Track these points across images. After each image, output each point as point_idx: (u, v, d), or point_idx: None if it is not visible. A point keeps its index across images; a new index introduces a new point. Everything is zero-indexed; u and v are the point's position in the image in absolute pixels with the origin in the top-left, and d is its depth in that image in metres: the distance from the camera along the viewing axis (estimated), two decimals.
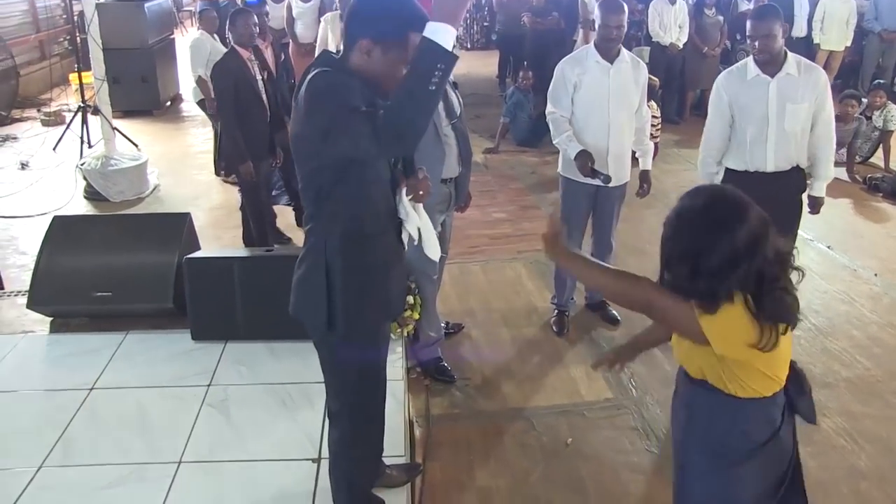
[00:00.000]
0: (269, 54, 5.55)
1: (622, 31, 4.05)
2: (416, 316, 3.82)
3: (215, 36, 7.05)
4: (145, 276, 3.99)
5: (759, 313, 1.85)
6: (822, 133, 3.83)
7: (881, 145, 7.76)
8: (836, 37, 9.71)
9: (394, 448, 3.04)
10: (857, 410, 3.79)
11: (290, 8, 8.51)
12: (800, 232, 4.08)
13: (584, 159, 3.95)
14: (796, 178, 3.91)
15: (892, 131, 7.65)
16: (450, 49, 1.90)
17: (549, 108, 4.17)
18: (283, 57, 5.45)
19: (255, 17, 5.26)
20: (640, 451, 3.49)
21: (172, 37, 10.72)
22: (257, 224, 5.27)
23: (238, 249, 4.33)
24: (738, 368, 1.96)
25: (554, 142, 4.18)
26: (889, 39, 10.00)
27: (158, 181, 7.05)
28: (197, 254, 3.96)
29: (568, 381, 4.02)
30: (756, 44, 3.70)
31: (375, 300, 2.39)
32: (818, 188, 3.98)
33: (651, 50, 9.31)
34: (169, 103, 10.19)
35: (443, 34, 1.88)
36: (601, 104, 4.06)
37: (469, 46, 14.56)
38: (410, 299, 3.75)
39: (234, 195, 6.68)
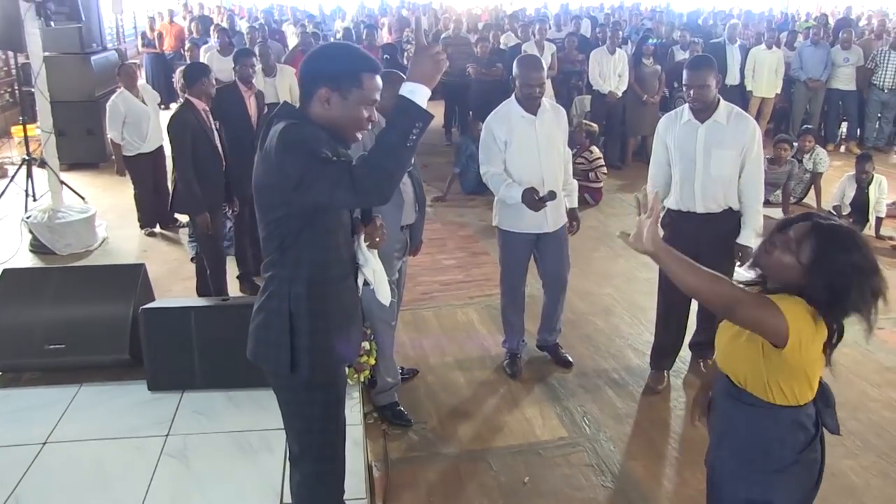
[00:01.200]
0: (252, 103, 5.64)
1: (544, 88, 4.14)
2: (372, 361, 3.88)
3: (141, 90, 7.13)
4: (100, 328, 3.99)
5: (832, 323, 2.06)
6: (748, 181, 4.03)
7: (812, 186, 8.16)
8: (766, 85, 10.20)
9: (354, 491, 3.08)
10: None
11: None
12: (738, 271, 4.26)
13: (530, 194, 3.99)
14: (729, 220, 4.10)
15: (821, 173, 8.06)
16: (425, 108, 2.03)
17: (484, 168, 4.21)
18: (265, 109, 5.63)
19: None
20: (596, 487, 3.58)
21: (119, 89, 10.68)
22: (214, 274, 5.26)
23: (195, 299, 4.35)
24: (787, 374, 2.09)
25: (497, 195, 4.20)
26: (814, 87, 10.55)
27: (107, 234, 7.00)
28: (153, 304, 3.98)
29: (523, 421, 4.10)
30: (691, 92, 3.92)
31: (338, 344, 2.46)
32: (745, 237, 4.10)
33: (592, 98, 9.64)
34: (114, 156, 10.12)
35: (419, 94, 2.03)
36: (532, 156, 4.13)
37: None
38: (366, 345, 3.81)
39: (181, 250, 6.71)
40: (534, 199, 3.99)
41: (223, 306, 3.85)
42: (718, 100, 3.99)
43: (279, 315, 2.35)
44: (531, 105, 4.11)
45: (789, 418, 2.17)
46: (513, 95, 4.19)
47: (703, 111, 3.97)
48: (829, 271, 1.99)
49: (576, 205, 4.50)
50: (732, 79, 10.03)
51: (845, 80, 10.57)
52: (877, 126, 10.90)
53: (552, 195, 4.00)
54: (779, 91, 10.39)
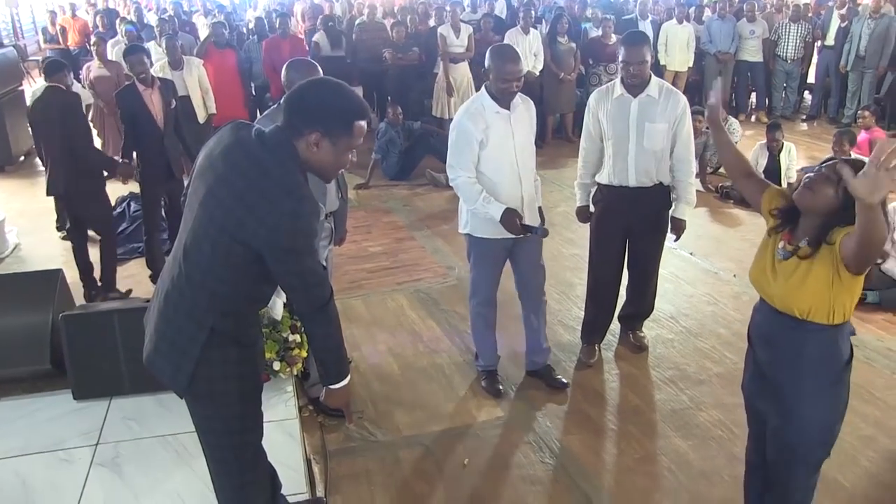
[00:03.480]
0: (155, 100, 5.48)
1: (521, 83, 3.76)
2: (304, 354, 3.84)
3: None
4: (17, 338, 3.83)
5: None
6: (680, 154, 4.11)
7: None
8: (678, 59, 10.42)
9: (295, 485, 3.05)
10: (730, 402, 4.05)
11: None
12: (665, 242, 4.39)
13: (512, 217, 3.68)
14: (660, 195, 4.19)
15: (736, 142, 8.28)
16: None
17: (454, 173, 3.80)
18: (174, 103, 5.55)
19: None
20: (535, 464, 3.63)
21: (21, 88, 10.27)
22: (149, 242, 5.64)
23: (118, 302, 4.21)
24: (850, 293, 2.40)
25: (470, 208, 3.83)
26: (723, 60, 10.85)
27: (18, 240, 6.73)
28: (74, 310, 3.84)
29: (459, 404, 4.13)
30: (631, 69, 3.94)
31: (253, 371, 2.52)
32: (680, 210, 4.23)
33: None
34: (23, 158, 9.72)
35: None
36: (507, 155, 3.80)
37: None
38: (297, 338, 3.77)
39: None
40: (515, 223, 3.69)
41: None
42: (650, 75, 4.05)
43: (191, 341, 2.34)
44: (505, 100, 3.76)
45: (846, 332, 2.50)
46: (483, 88, 3.84)
47: (637, 86, 4.02)
48: None
49: (540, 202, 4.13)
50: None
51: (752, 52, 10.90)
52: (783, 95, 11.30)
53: (545, 231, 3.74)
54: (691, 65, 10.64)
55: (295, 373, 3.89)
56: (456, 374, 4.41)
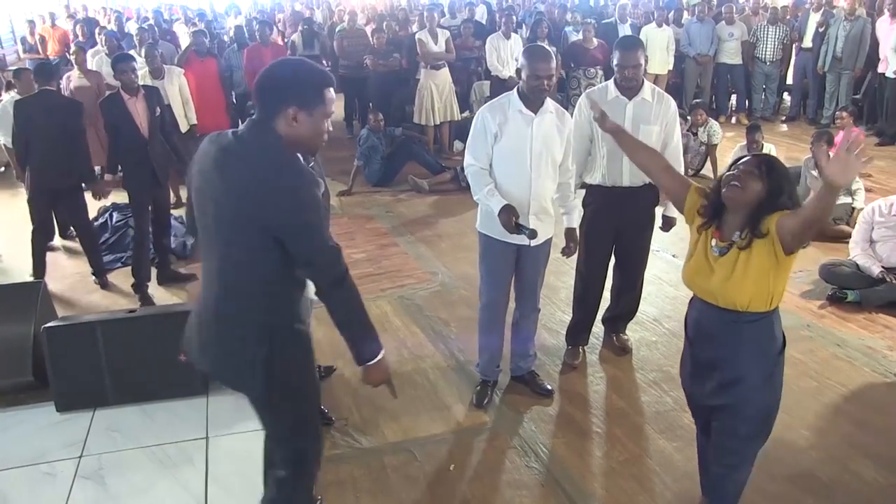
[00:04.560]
0: (140, 109, 5.46)
1: (552, 81, 3.73)
2: None
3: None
4: None
5: None
6: (671, 156, 4.08)
7: (708, 158, 8.48)
8: (658, 61, 10.47)
9: None
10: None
11: None
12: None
13: (508, 214, 3.62)
14: (649, 194, 4.23)
15: (716, 144, 8.38)
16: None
17: (468, 159, 3.82)
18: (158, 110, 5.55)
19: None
20: (521, 468, 3.64)
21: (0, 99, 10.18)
22: (137, 250, 5.69)
23: (100, 314, 4.18)
24: (785, 276, 2.53)
25: (475, 197, 3.82)
26: (703, 62, 10.94)
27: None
28: (56, 321, 3.82)
29: (444, 410, 4.13)
30: (626, 72, 3.98)
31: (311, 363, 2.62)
32: (672, 209, 4.29)
33: (491, 84, 9.70)
34: (3, 169, 9.65)
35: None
36: (522, 156, 3.73)
37: None
38: None
39: (84, 262, 6.47)
40: (510, 220, 3.62)
41: (131, 318, 3.73)
42: (643, 79, 4.10)
43: (258, 342, 2.41)
44: (534, 102, 3.72)
45: (778, 316, 2.64)
46: (515, 89, 3.82)
47: (631, 89, 4.06)
48: (781, 181, 2.47)
49: (575, 224, 4.07)
50: None
51: (731, 55, 10.98)
52: (763, 97, 11.38)
53: (533, 233, 3.65)
54: (671, 67, 10.72)
55: None
56: (441, 379, 4.41)
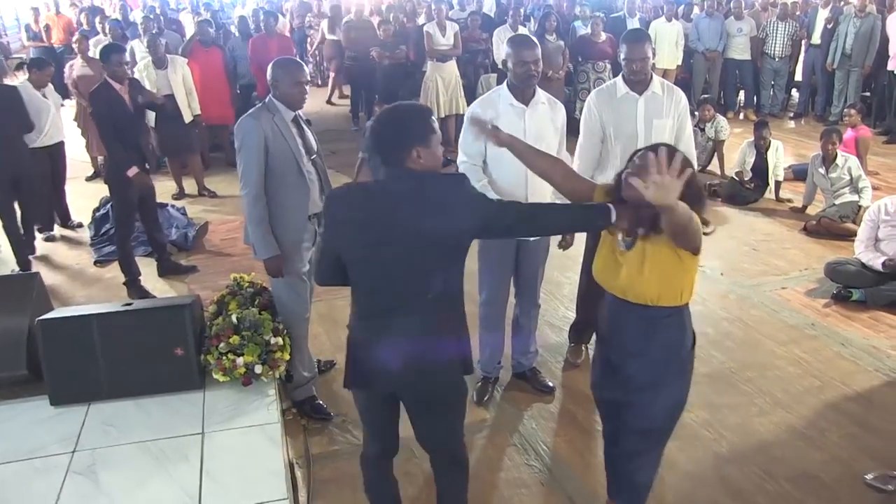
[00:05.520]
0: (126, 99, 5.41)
1: (539, 67, 3.68)
2: (287, 357, 3.79)
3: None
4: None
5: None
6: (684, 149, 4.03)
7: (715, 154, 8.40)
8: (667, 56, 10.38)
9: (276, 491, 2.99)
10: (717, 402, 4.06)
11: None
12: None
13: None
14: None
15: (723, 140, 8.30)
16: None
17: (461, 156, 3.79)
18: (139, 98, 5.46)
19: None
20: (520, 466, 3.61)
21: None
22: (121, 246, 5.60)
23: (96, 306, 4.14)
24: (692, 273, 2.54)
25: None
26: (711, 58, 10.86)
27: None
28: (51, 314, 3.77)
29: None
30: (634, 66, 3.89)
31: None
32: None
33: (497, 77, 9.64)
34: None
35: None
36: None
37: (320, 83, 14.58)
38: (280, 340, 3.73)
39: (84, 253, 6.45)
40: None
41: (127, 312, 3.68)
42: (652, 72, 4.02)
43: (450, 332, 2.63)
44: (524, 93, 3.72)
45: (688, 312, 2.65)
46: (504, 83, 3.81)
47: (641, 83, 3.97)
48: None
49: None
50: None
51: (740, 50, 10.89)
52: (771, 93, 11.29)
53: (525, 243, 3.62)
54: (680, 62, 10.62)
55: (277, 376, 3.83)
56: None
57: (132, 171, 5.30)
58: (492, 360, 4.17)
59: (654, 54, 4.02)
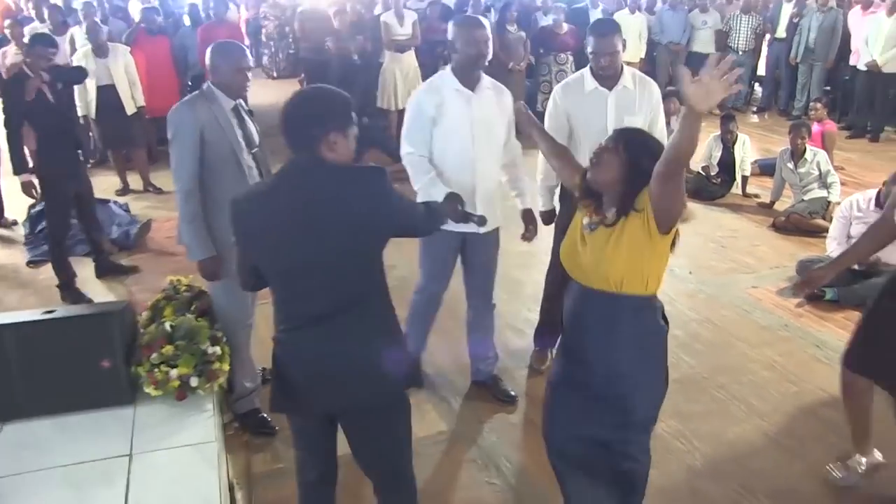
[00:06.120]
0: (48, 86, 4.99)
1: (487, 49, 3.51)
2: (227, 367, 3.47)
3: None
4: None
5: None
6: None
7: None
8: (631, 49, 10.17)
9: None
10: (688, 410, 3.85)
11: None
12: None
13: (454, 202, 3.36)
14: None
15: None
16: None
17: (405, 148, 3.59)
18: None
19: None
20: (481, 485, 3.34)
21: None
22: (55, 246, 5.19)
23: (13, 314, 3.76)
24: (660, 260, 2.45)
25: (415, 187, 3.55)
26: (675, 51, 10.73)
27: None
28: None
29: None
30: (601, 60, 3.63)
31: None
32: None
33: None
34: None
35: None
36: (464, 138, 3.53)
37: (275, 75, 14.19)
38: (218, 349, 3.41)
39: (18, 252, 6.08)
40: (456, 208, 3.35)
41: (47, 320, 3.32)
42: (622, 65, 3.75)
43: (387, 335, 2.46)
44: (469, 77, 3.53)
45: (659, 304, 2.54)
46: (448, 67, 3.63)
47: (611, 78, 3.70)
48: (639, 153, 2.39)
49: (530, 206, 3.87)
50: None
51: (704, 43, 10.80)
52: None
53: (482, 220, 3.38)
54: (643, 55, 10.51)
55: (215, 388, 3.52)
56: None
57: (24, 177, 4.98)
58: (415, 348, 3.89)
59: (624, 47, 3.75)
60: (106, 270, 5.60)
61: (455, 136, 3.53)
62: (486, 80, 3.61)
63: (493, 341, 4.04)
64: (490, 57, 3.56)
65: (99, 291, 5.35)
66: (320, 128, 2.25)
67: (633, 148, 2.41)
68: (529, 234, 3.87)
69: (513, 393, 3.99)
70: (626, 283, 2.41)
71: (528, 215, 3.84)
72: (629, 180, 2.39)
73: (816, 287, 3.17)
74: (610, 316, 2.46)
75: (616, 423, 2.55)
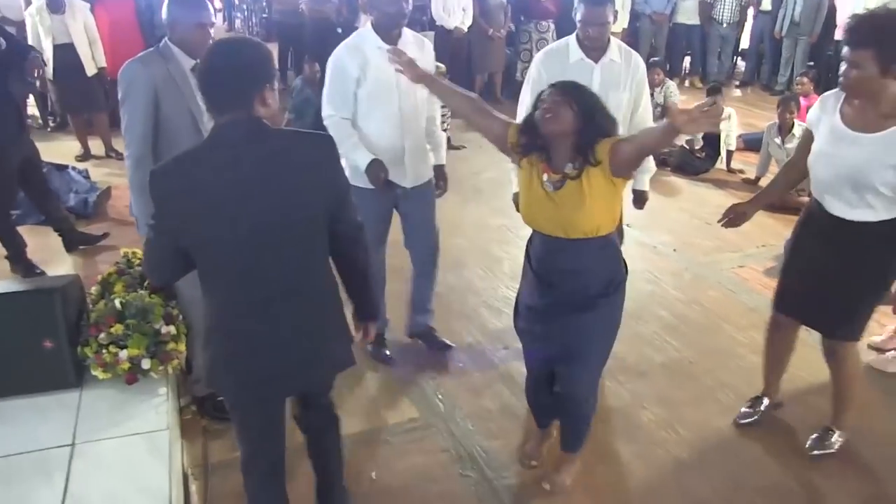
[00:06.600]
0: None
1: (408, 6, 3.40)
2: (182, 348, 3.23)
3: None
4: None
5: None
6: (641, 122, 3.61)
7: (664, 119, 7.99)
8: None
9: None
10: (674, 397, 3.67)
11: None
12: None
13: (377, 170, 3.35)
14: None
15: (675, 103, 7.88)
16: None
17: (327, 110, 3.46)
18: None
19: None
20: (454, 477, 3.13)
21: None
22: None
23: None
24: (620, 196, 2.67)
25: (340, 152, 3.46)
26: (658, 21, 10.48)
27: None
28: None
29: (366, 403, 3.60)
30: (590, 31, 3.40)
31: None
32: (641, 181, 3.80)
33: (435, 35, 9.06)
34: None
35: None
36: (389, 95, 3.42)
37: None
38: (172, 329, 3.16)
39: None
40: (379, 177, 3.37)
41: None
42: (609, 37, 3.51)
43: (337, 308, 2.40)
44: (389, 33, 3.39)
45: (617, 242, 2.83)
46: (368, 24, 3.47)
47: (598, 49, 3.47)
48: (588, 99, 2.58)
49: (443, 161, 3.82)
50: (578, 14, 9.75)
51: (689, 14, 10.56)
52: (717, 60, 11.01)
53: (406, 192, 3.32)
54: (625, 26, 10.23)
55: (170, 371, 3.27)
56: (364, 366, 3.81)
57: None
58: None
59: (615, 19, 3.51)
60: (76, 242, 5.24)
61: (382, 95, 3.43)
62: (408, 34, 3.52)
63: (432, 297, 4.00)
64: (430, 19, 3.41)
65: (65, 262, 5.02)
66: (255, 82, 2.06)
67: (583, 98, 2.55)
68: (440, 189, 3.84)
69: (448, 342, 4.01)
70: (602, 228, 2.60)
71: (440, 171, 3.81)
72: (584, 131, 2.51)
73: (741, 223, 3.25)
74: (586, 257, 2.65)
75: (580, 365, 2.79)
